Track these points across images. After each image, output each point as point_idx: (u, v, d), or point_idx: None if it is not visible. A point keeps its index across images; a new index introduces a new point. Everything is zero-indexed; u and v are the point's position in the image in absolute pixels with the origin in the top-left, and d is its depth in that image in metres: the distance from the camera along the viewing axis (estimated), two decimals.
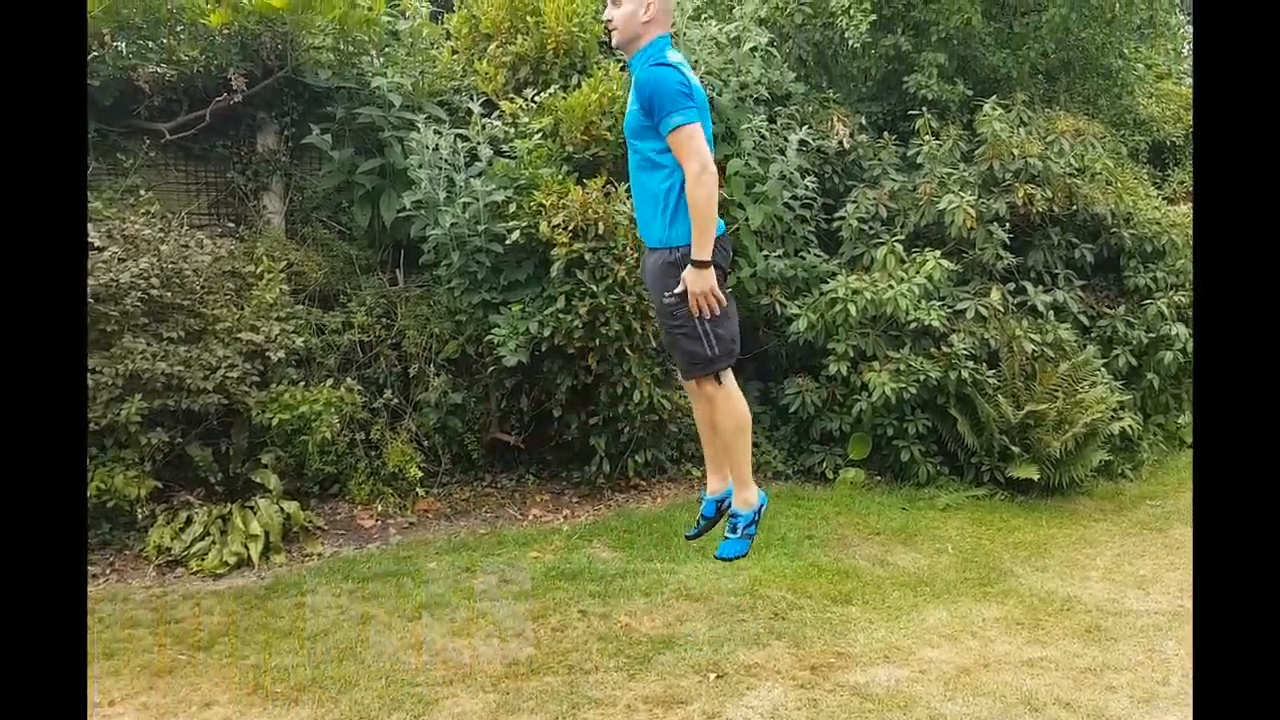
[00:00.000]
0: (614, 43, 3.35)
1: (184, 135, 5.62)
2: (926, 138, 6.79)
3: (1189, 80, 9.42)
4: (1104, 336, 6.81)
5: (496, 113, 5.64)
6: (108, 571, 4.45)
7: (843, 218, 6.59)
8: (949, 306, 6.24)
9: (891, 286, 5.99)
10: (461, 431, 5.68)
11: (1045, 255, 6.83)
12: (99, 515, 4.58)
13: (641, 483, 5.94)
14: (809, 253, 6.50)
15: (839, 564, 4.65)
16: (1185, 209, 7.49)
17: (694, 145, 2.97)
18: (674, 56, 3.12)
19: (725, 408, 3.23)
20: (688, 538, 3.62)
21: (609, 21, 3.26)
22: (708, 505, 3.47)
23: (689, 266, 3.03)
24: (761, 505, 3.35)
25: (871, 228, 6.60)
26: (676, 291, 3.08)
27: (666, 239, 3.16)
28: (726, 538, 3.31)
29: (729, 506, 3.37)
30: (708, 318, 3.11)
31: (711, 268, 3.02)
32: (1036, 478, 5.79)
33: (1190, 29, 8.84)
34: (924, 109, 6.92)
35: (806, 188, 6.20)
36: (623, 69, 5.83)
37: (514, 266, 5.49)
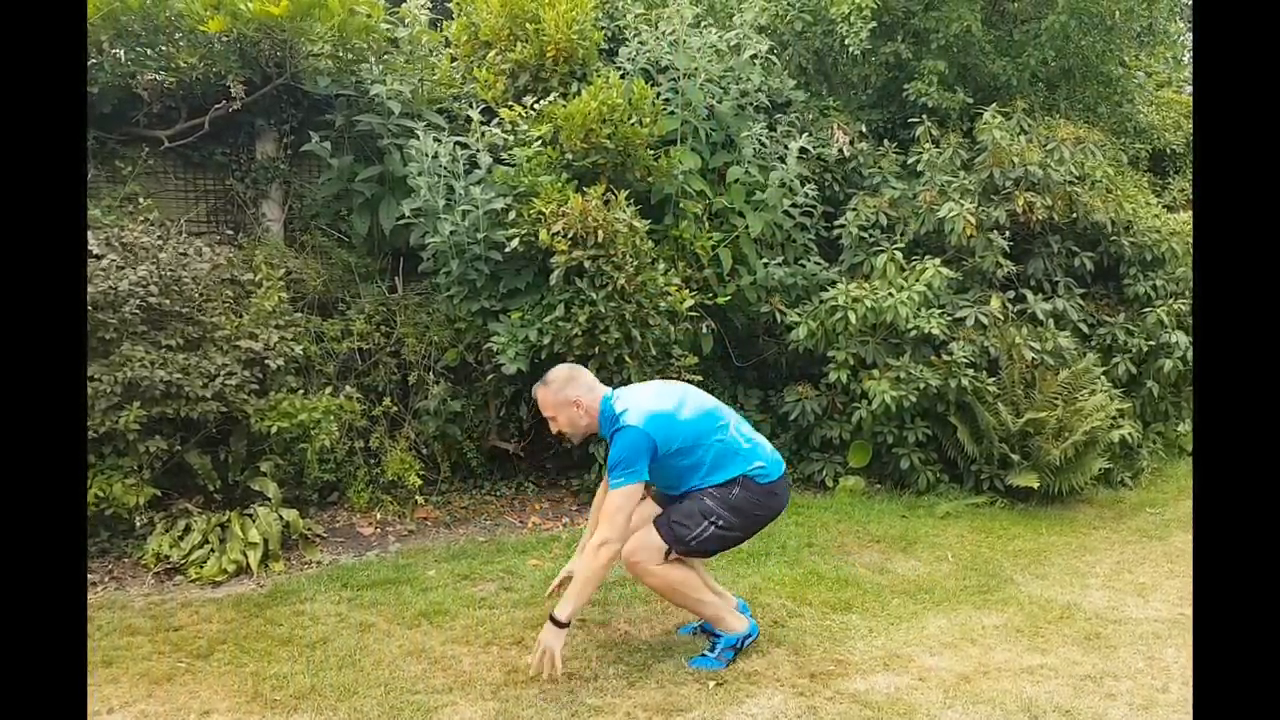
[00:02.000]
0: (575, 443, 3.79)
1: (183, 142, 5.63)
2: (926, 145, 6.80)
3: (1189, 88, 9.45)
4: (1104, 344, 6.81)
5: (496, 120, 5.65)
6: (106, 579, 4.44)
7: (843, 225, 6.60)
8: (949, 314, 6.23)
9: (891, 294, 5.99)
10: (461, 439, 5.68)
11: (1045, 263, 6.83)
12: (97, 523, 4.57)
13: None
14: (809, 260, 6.49)
15: (839, 572, 4.64)
16: (1185, 217, 7.50)
17: (617, 518, 3.21)
18: (622, 405, 3.36)
19: (652, 584, 3.51)
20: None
21: (560, 435, 3.55)
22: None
23: (548, 622, 3.20)
24: (749, 635, 3.61)
25: (871, 235, 6.60)
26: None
27: (700, 484, 3.46)
28: (704, 654, 3.57)
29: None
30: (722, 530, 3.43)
31: (566, 631, 3.20)
32: (1036, 485, 5.78)
33: (1190, 36, 8.86)
34: (924, 116, 6.93)
35: (806, 195, 6.20)
36: (623, 77, 5.83)
37: (513, 274, 5.49)
